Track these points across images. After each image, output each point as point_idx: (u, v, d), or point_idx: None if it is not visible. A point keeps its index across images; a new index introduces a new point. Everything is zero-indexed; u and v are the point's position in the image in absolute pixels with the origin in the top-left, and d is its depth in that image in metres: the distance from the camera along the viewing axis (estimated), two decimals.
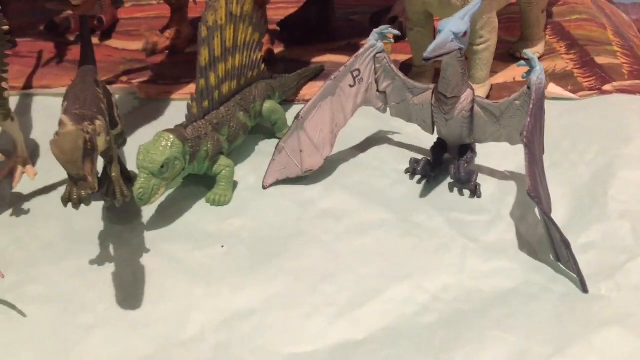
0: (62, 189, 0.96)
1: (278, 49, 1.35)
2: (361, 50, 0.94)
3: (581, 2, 1.49)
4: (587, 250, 0.81)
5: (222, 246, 0.85)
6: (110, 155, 0.78)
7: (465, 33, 0.83)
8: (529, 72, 0.83)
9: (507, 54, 1.27)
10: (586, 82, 1.18)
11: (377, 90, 0.98)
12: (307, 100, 1.16)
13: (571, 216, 0.87)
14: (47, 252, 0.85)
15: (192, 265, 0.82)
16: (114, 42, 1.40)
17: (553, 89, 1.14)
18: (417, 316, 0.75)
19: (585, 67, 1.22)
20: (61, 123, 0.65)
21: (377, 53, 0.95)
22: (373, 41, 0.94)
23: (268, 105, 1.04)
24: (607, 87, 1.14)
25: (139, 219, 0.90)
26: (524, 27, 1.26)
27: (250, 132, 1.04)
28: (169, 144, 0.85)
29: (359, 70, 0.95)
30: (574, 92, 1.14)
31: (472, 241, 0.85)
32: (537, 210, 0.87)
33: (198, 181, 0.96)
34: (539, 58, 1.24)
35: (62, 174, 0.95)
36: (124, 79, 1.26)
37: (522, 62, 0.84)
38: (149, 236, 0.87)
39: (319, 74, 1.25)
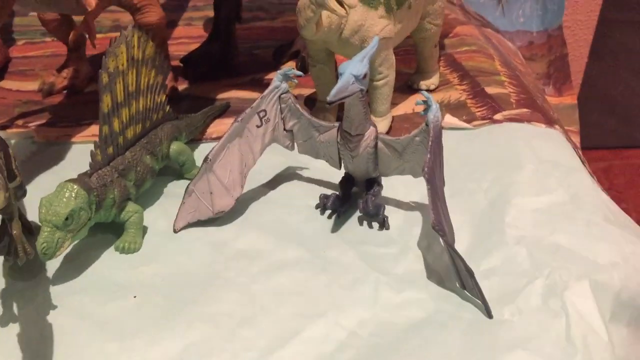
0: None
1: (182, 86, 1.34)
2: (266, 92, 0.96)
3: (470, 34, 1.58)
4: (489, 276, 0.86)
5: (135, 296, 0.84)
6: (10, 212, 0.75)
7: (365, 75, 0.86)
8: (426, 110, 0.88)
9: (405, 86, 1.33)
10: (479, 111, 1.25)
11: (284, 129, 0.99)
12: (215, 139, 1.17)
13: (472, 243, 0.92)
14: None
15: (103, 319, 0.80)
16: (6, 83, 1.34)
17: (449, 119, 1.21)
18: (336, 354, 0.77)
19: (477, 97, 1.30)
20: None
21: (282, 93, 0.97)
22: (277, 82, 0.96)
23: (175, 146, 1.03)
24: (497, 116, 1.22)
25: (43, 273, 0.87)
26: (419, 60, 1.33)
27: (158, 174, 1.03)
28: (73, 195, 0.83)
29: (265, 110, 0.96)
30: (468, 121, 1.21)
31: (384, 274, 0.88)
32: (441, 241, 0.92)
33: (105, 228, 0.93)
34: (434, 89, 1.33)
35: None
36: (20, 122, 1.21)
37: (420, 101, 0.88)
38: (56, 290, 0.84)
39: (225, 110, 1.25)
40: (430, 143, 0.85)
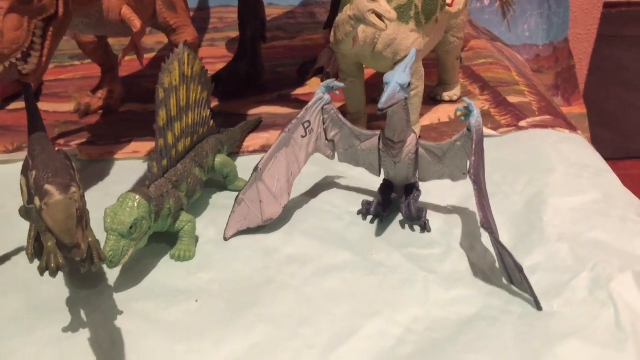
0: (16, 259, 0.94)
1: (213, 104, 1.38)
2: (310, 103, 1.00)
3: (484, 47, 1.64)
4: (534, 271, 0.89)
5: (196, 300, 0.87)
6: (86, 220, 0.78)
7: (409, 84, 0.91)
8: (466, 116, 0.92)
9: (427, 98, 1.38)
10: (503, 119, 1.30)
11: (326, 139, 1.04)
12: (252, 152, 1.21)
13: (514, 241, 0.96)
14: (13, 325, 0.83)
15: (169, 323, 0.83)
16: (43, 105, 1.38)
17: None
18: (396, 348, 0.80)
19: (501, 106, 1.35)
20: (47, 193, 0.65)
21: (324, 105, 1.01)
22: (320, 94, 1.00)
23: (219, 159, 1.07)
24: (522, 124, 1.27)
25: (105, 282, 0.90)
26: (441, 72, 1.38)
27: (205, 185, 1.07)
28: (136, 205, 0.86)
29: (309, 121, 1.01)
30: (494, 129, 1.26)
31: (431, 273, 0.91)
32: (484, 240, 0.95)
33: (159, 238, 0.97)
34: (456, 100, 1.38)
35: (11, 244, 0.94)
36: (61, 141, 1.24)
37: (460, 107, 0.93)
38: (119, 297, 0.87)
39: (258, 125, 1.30)
40: (474, 146, 0.90)
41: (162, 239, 0.97)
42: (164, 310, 0.85)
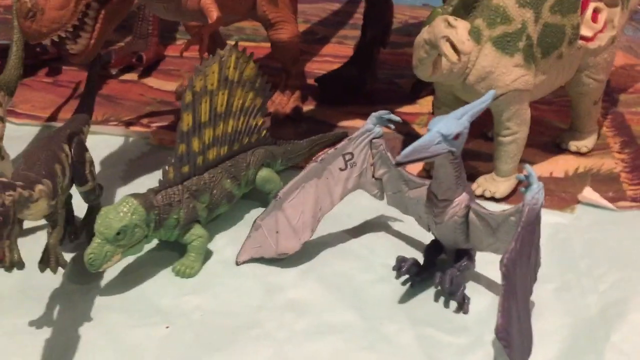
0: (35, 235, 0.94)
1: (308, 107, 1.29)
2: (356, 134, 0.87)
3: None
4: None
5: (167, 327, 0.80)
6: (54, 219, 0.75)
7: (457, 135, 0.74)
8: (527, 188, 0.72)
9: (551, 144, 1.15)
10: (631, 190, 1.03)
11: (373, 177, 0.89)
12: None
13: (559, 356, 0.74)
14: None
15: (126, 344, 0.77)
16: (151, 81, 1.39)
17: (588, 193, 1.01)
18: None
19: (635, 172, 1.08)
20: None
21: (374, 138, 0.87)
22: (370, 125, 0.87)
23: (263, 173, 0.98)
24: None
25: (99, 280, 0.86)
26: (573, 117, 1.14)
27: (244, 199, 0.99)
28: (130, 211, 0.81)
29: (352, 154, 0.87)
30: (613, 200, 1.00)
31: None
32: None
33: (174, 245, 0.91)
34: (586, 153, 1.12)
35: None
36: (145, 121, 1.24)
37: (521, 175, 0.73)
38: (99, 302, 0.83)
39: (340, 140, 1.17)
40: (519, 229, 0.70)
41: (177, 246, 0.91)
42: (131, 328, 0.79)
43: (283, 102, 1.26)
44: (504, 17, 0.92)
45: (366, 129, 0.86)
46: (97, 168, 1.10)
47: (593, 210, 0.98)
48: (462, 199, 0.80)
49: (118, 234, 0.80)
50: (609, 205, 0.99)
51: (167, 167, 0.87)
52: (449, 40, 0.81)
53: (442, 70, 0.91)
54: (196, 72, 0.86)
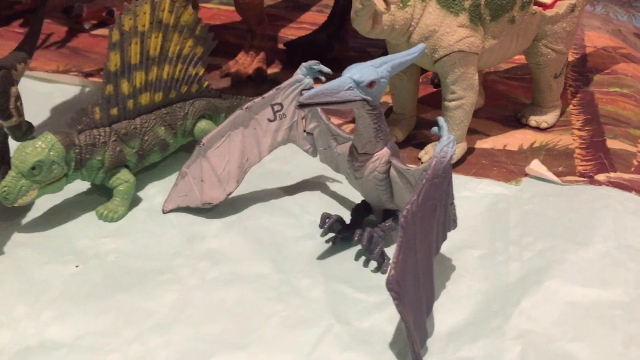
0: None
1: (274, 70, 1.27)
2: (284, 84, 0.85)
3: (632, 75, 1.29)
4: None
5: (77, 266, 0.79)
6: None
7: (371, 83, 0.71)
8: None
9: (512, 118, 1.12)
10: (581, 166, 1.00)
11: (304, 131, 0.87)
12: None
13: (468, 322, 0.72)
14: None
15: (33, 280, 0.77)
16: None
17: (536, 166, 0.98)
18: None
19: (590, 149, 1.04)
20: None
21: (303, 89, 0.85)
22: (300, 75, 0.84)
23: (202, 125, 0.96)
24: (600, 177, 0.96)
25: (21, 217, 0.86)
26: (534, 91, 1.10)
27: (185, 151, 0.97)
28: (48, 147, 0.80)
29: (281, 104, 0.85)
30: (561, 174, 0.97)
31: (342, 324, 0.72)
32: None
33: (103, 190, 0.90)
34: (546, 128, 1.09)
35: None
36: None
37: (435, 128, 0.70)
38: (16, 238, 0.83)
39: None
40: (424, 181, 0.67)
41: (106, 191, 0.90)
42: (40, 264, 0.79)
43: (246, 62, 1.25)
44: None
45: (296, 80, 0.84)
46: (49, 115, 1.11)
47: (538, 184, 0.95)
48: (382, 153, 0.77)
49: (33, 168, 0.79)
50: (554, 178, 0.96)
51: (92, 107, 0.86)
52: None
53: (382, 26, 0.88)
54: (125, 11, 0.84)
